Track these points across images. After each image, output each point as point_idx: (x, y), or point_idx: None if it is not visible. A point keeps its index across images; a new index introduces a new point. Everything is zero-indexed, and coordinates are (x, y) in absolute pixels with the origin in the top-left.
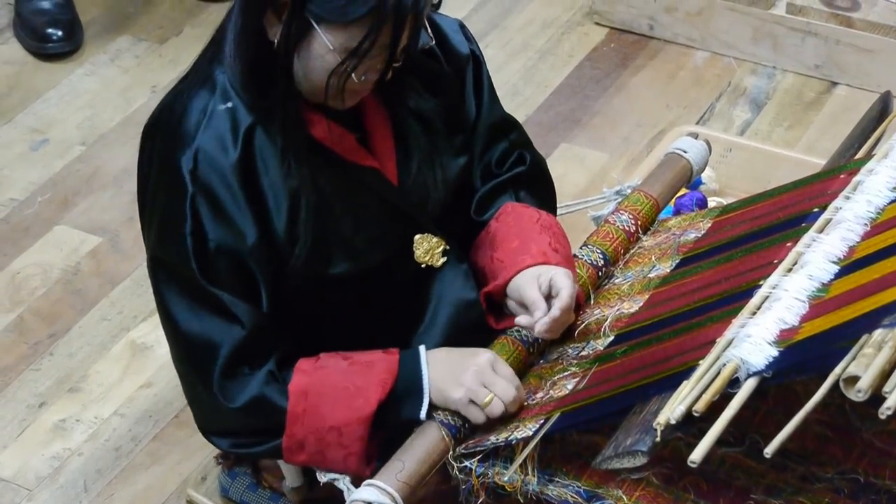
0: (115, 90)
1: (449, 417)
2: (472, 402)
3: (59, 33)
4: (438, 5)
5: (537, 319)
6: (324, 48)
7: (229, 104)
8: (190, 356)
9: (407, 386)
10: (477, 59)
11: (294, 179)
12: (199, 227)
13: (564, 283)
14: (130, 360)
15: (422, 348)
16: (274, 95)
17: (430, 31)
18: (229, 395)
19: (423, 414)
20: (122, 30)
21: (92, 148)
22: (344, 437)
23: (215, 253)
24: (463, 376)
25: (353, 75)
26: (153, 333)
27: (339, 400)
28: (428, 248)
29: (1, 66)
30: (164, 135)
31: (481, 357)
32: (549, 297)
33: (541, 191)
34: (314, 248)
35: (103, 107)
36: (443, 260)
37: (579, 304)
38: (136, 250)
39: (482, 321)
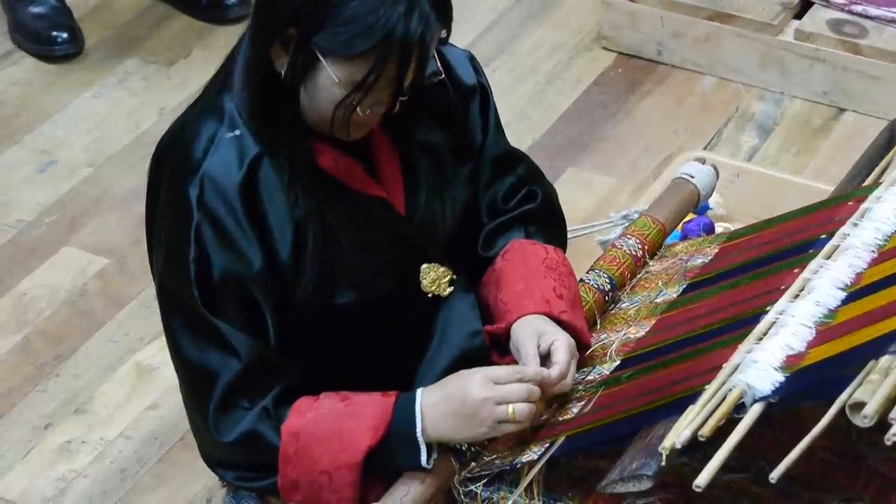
0: (122, 112)
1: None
2: (499, 423)
3: (64, 35)
4: (447, 39)
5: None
6: (329, 81)
7: (237, 132)
8: (191, 385)
9: (401, 435)
10: (484, 91)
11: (300, 210)
12: (204, 255)
13: (561, 356)
14: (136, 383)
15: (419, 393)
16: (281, 126)
17: (438, 62)
18: (222, 428)
19: (423, 462)
20: (131, 52)
21: (99, 170)
22: (335, 482)
23: (220, 282)
24: (479, 414)
25: (358, 109)
26: (159, 355)
27: (329, 443)
28: (435, 278)
29: (9, 87)
30: (172, 162)
31: (477, 383)
32: (545, 357)
33: (550, 226)
34: (320, 279)
35: (111, 129)
36: (449, 289)
37: (585, 347)
38: (142, 272)
39: (487, 351)
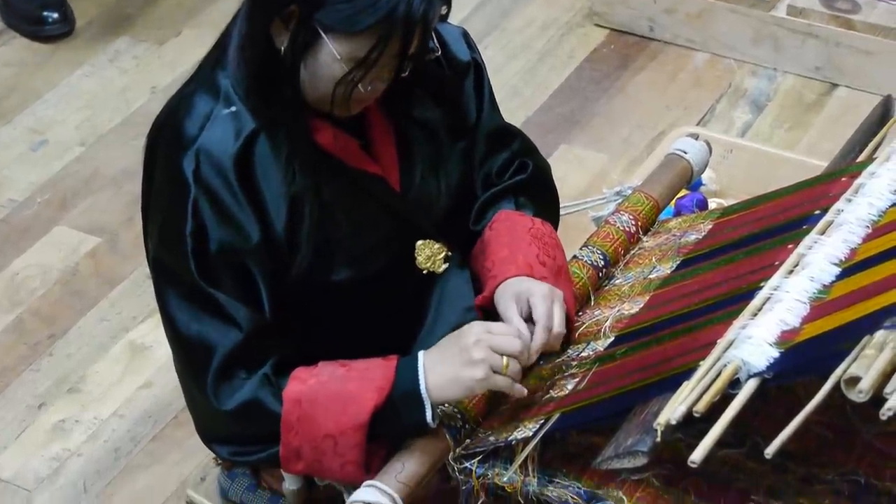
0: (114, 91)
1: (450, 418)
2: (494, 371)
3: (55, 15)
4: (447, 16)
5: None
6: (331, 57)
7: (233, 108)
8: (188, 359)
9: (405, 392)
10: (478, 67)
11: (297, 186)
12: (201, 228)
13: (540, 307)
14: (130, 361)
15: (421, 353)
16: (279, 102)
17: (435, 39)
18: (222, 397)
19: (429, 418)
20: (121, 31)
21: (91, 149)
22: (339, 445)
23: (216, 254)
24: (473, 355)
25: (359, 85)
26: (152, 334)
27: (333, 407)
28: (430, 255)
29: (0, 68)
30: (167, 139)
31: (474, 328)
32: (529, 320)
33: (540, 197)
34: (316, 255)
35: (102, 108)
36: (444, 266)
37: (570, 321)
38: (135, 251)
39: None
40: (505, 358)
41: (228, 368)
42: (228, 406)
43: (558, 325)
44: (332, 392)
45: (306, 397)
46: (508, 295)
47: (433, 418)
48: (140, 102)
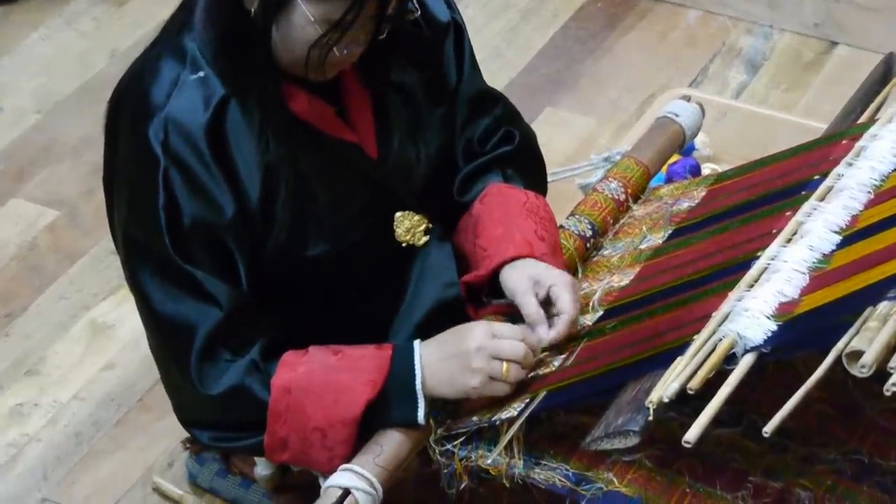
0: (72, 55)
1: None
2: (492, 379)
3: None
4: None
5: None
6: (304, 19)
7: (201, 73)
8: (166, 340)
9: (399, 387)
10: (459, 28)
11: (271, 156)
12: (173, 202)
13: (565, 297)
14: (91, 341)
15: (416, 345)
16: (250, 67)
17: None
18: (207, 381)
19: (420, 416)
20: None
21: (48, 116)
22: (328, 438)
23: (190, 229)
24: (472, 363)
25: (335, 49)
26: (114, 312)
27: (323, 399)
28: (409, 227)
29: None
30: (131, 106)
31: (477, 333)
32: (546, 304)
33: (529, 169)
34: (292, 228)
35: (60, 73)
36: (425, 238)
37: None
38: (96, 224)
39: (462, 303)
40: (505, 364)
41: (211, 349)
42: (214, 391)
43: (575, 316)
44: (323, 382)
45: (296, 386)
46: (523, 280)
47: (425, 417)
48: (99, 67)
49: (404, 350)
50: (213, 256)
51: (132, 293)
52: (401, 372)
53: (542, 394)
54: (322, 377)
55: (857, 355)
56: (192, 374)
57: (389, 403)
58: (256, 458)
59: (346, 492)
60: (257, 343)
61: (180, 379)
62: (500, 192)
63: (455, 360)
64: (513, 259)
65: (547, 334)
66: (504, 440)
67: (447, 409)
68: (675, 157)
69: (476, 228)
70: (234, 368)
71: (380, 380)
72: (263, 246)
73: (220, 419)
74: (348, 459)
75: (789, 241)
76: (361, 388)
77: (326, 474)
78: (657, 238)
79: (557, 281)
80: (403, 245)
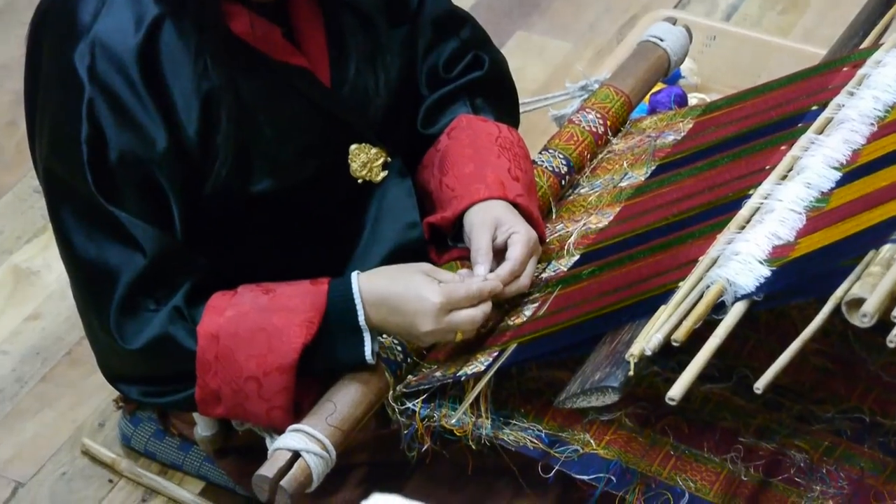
0: None
1: (389, 351)
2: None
3: None
4: None
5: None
6: None
7: None
8: (86, 288)
9: (340, 323)
10: None
11: (210, 82)
12: (99, 134)
13: (518, 248)
14: (14, 289)
15: (354, 275)
16: None
17: None
18: (127, 334)
19: (368, 353)
20: None
21: None
22: (264, 388)
23: (117, 164)
24: (423, 327)
25: None
26: (40, 257)
27: (256, 344)
28: (366, 161)
29: None
30: (54, 28)
31: (430, 297)
32: (500, 252)
33: (501, 99)
34: (234, 162)
35: None
36: (383, 174)
37: (541, 239)
38: (18, 160)
39: (425, 246)
40: (459, 334)
41: (133, 299)
42: (134, 345)
43: (525, 279)
44: (254, 326)
45: (225, 332)
46: (483, 219)
47: (372, 354)
48: None
49: (341, 283)
50: (142, 195)
51: (55, 235)
52: (339, 307)
53: (513, 346)
54: (252, 320)
55: (857, 303)
56: (112, 327)
57: (332, 342)
58: (196, 418)
59: (296, 455)
60: (182, 287)
61: (101, 331)
62: (469, 124)
63: (404, 318)
64: (484, 201)
65: (484, 272)
66: (470, 397)
67: (407, 363)
68: (658, 86)
69: (443, 165)
70: (157, 318)
71: (317, 318)
72: (201, 183)
73: (148, 373)
74: (288, 410)
75: (784, 178)
76: (296, 329)
77: (271, 430)
78: (639, 175)
79: (520, 230)
80: (359, 181)
